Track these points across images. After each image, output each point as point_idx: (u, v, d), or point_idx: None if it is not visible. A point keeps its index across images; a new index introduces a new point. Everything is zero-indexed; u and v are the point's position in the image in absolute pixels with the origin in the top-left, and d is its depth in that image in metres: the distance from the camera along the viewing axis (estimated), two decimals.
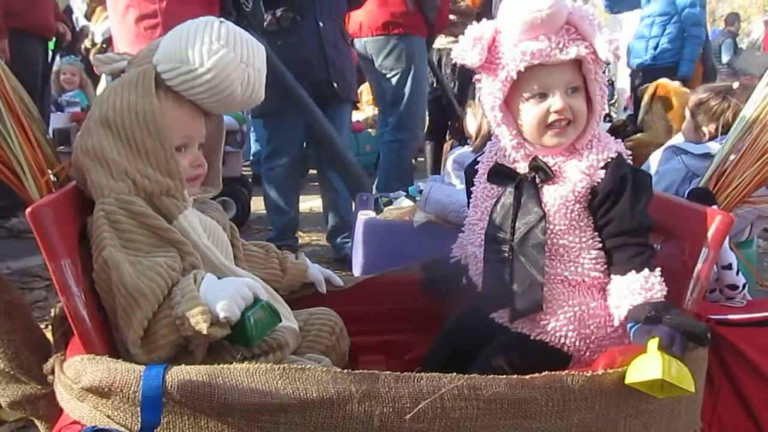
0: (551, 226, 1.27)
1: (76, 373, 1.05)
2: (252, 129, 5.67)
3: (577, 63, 1.25)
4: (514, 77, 1.23)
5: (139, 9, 2.72)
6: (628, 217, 1.24)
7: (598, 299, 1.28)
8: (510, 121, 1.30)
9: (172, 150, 1.18)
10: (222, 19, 1.23)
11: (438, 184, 2.58)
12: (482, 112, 2.61)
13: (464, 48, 1.26)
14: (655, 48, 5.46)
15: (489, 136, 2.52)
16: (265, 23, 3.09)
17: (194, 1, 2.77)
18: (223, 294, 1.07)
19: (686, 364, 1.08)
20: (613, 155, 1.27)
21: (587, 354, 1.28)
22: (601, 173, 1.26)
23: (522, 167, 1.32)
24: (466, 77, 4.70)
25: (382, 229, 2.65)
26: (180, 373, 1.01)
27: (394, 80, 3.92)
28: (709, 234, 1.25)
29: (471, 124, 2.74)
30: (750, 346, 1.42)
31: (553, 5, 1.19)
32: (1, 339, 1.17)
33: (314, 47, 3.12)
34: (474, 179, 1.44)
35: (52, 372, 1.13)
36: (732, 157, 1.41)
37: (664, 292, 1.20)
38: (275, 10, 3.07)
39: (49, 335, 1.26)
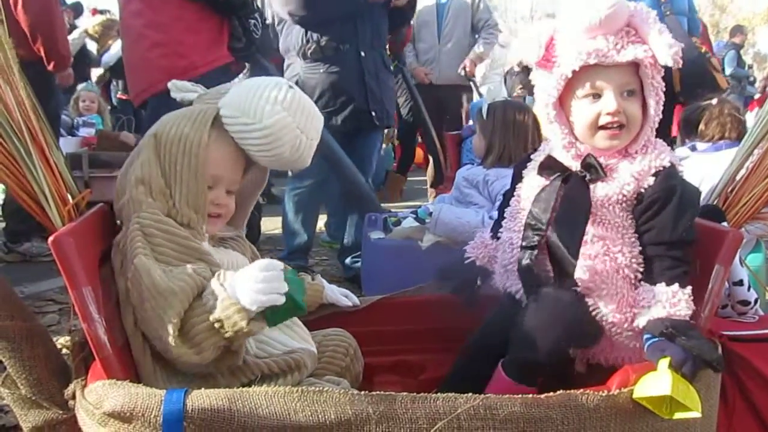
0: (592, 220, 1.28)
1: (98, 399, 1.06)
2: None
3: (635, 66, 1.25)
4: (569, 75, 1.24)
5: (151, 38, 2.76)
6: (669, 228, 1.24)
7: (623, 299, 1.28)
8: (563, 120, 1.30)
9: (204, 186, 1.24)
10: (292, 84, 1.31)
11: (447, 205, 2.56)
12: (491, 129, 2.58)
13: (522, 45, 1.29)
14: None
15: (501, 153, 2.52)
16: (310, 50, 3.13)
17: (204, 29, 2.81)
18: (248, 288, 1.07)
19: (696, 387, 1.08)
20: (666, 164, 1.27)
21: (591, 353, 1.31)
22: (651, 180, 1.26)
23: (573, 166, 1.32)
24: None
25: (391, 250, 2.66)
26: (200, 398, 1.02)
27: None
28: (720, 251, 1.26)
29: (479, 142, 2.67)
30: (763, 361, 1.42)
31: (612, 6, 1.19)
32: (23, 365, 1.18)
33: (355, 77, 3.15)
34: (523, 173, 1.45)
35: (74, 397, 1.15)
36: (740, 174, 1.41)
37: (689, 312, 1.19)
38: (320, 38, 3.11)
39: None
